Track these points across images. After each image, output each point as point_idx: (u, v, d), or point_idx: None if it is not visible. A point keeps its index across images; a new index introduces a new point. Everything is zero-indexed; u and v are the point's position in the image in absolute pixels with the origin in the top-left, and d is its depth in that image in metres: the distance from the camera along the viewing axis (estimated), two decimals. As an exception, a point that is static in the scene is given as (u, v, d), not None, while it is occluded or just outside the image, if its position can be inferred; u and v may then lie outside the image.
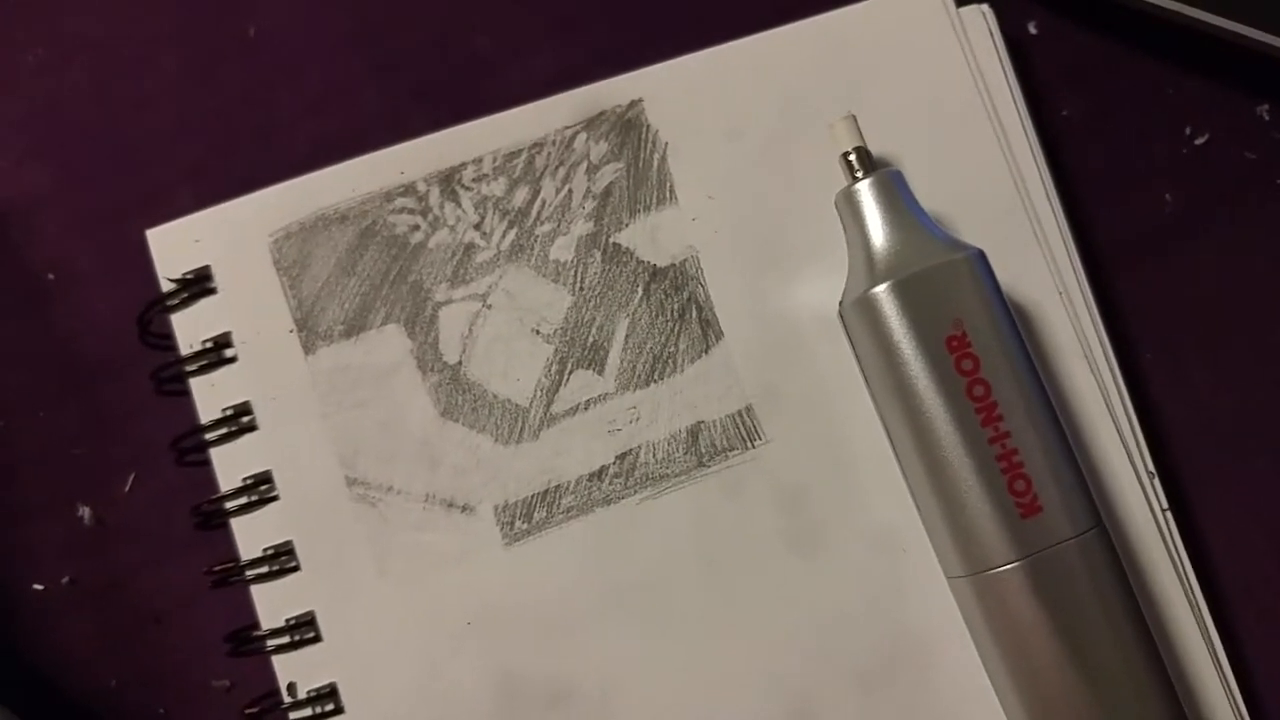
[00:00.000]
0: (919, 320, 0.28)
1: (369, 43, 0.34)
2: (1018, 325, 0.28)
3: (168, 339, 0.32)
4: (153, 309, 0.32)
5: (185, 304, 0.32)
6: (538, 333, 0.31)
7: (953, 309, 0.28)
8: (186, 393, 0.32)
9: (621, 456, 0.31)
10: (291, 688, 0.31)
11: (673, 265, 0.32)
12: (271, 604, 0.31)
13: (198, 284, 0.32)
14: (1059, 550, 0.27)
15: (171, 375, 0.32)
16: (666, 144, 0.32)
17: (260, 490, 0.31)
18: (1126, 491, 0.31)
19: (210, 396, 0.31)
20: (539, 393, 0.31)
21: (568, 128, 0.32)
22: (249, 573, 0.31)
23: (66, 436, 0.33)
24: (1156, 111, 0.34)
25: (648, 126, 0.32)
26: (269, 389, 0.31)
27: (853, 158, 0.30)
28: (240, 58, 0.35)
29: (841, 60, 0.32)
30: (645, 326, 0.31)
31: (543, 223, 0.32)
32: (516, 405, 0.31)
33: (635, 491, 0.31)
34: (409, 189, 0.32)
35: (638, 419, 0.31)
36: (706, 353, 0.31)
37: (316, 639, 0.30)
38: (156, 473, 0.33)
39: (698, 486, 0.31)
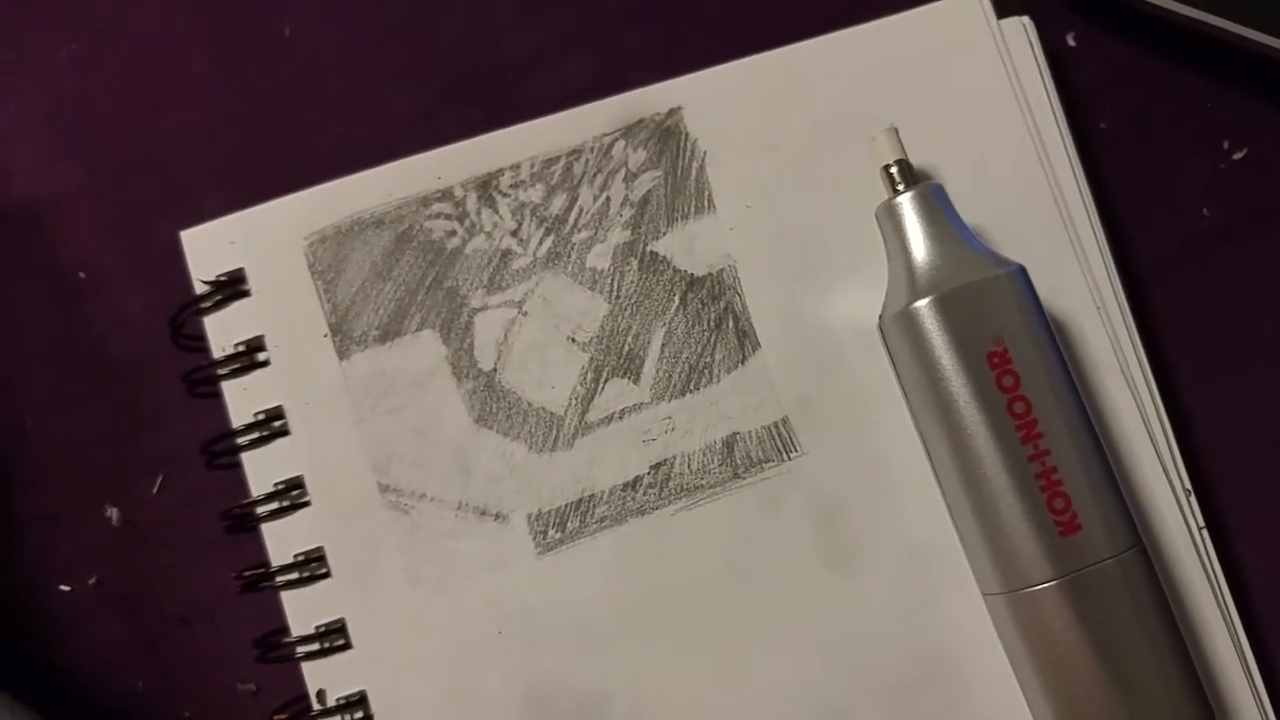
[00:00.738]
0: (960, 336, 0.27)
1: (401, 46, 0.34)
2: (1058, 342, 0.28)
3: (200, 341, 0.32)
4: (186, 311, 0.32)
5: (218, 306, 0.32)
6: (573, 340, 0.31)
7: (994, 325, 0.28)
8: (217, 395, 0.32)
9: (656, 467, 0.31)
10: (321, 695, 0.30)
11: (710, 274, 0.31)
12: (301, 610, 0.31)
13: (231, 286, 0.32)
14: (1098, 569, 0.27)
15: (203, 378, 0.32)
16: (705, 152, 0.32)
17: (292, 495, 0.31)
18: (1162, 509, 0.30)
19: (242, 400, 0.31)
20: (574, 401, 0.31)
21: (606, 135, 0.32)
22: (279, 578, 0.31)
23: (95, 437, 0.33)
24: (1194, 125, 0.34)
25: (686, 135, 0.32)
26: (302, 393, 0.31)
27: (894, 170, 0.30)
28: (273, 59, 0.34)
29: (881, 71, 0.32)
30: (681, 336, 0.31)
31: (580, 230, 0.32)
32: (551, 413, 0.31)
33: (669, 502, 0.31)
34: (446, 194, 0.32)
35: (673, 429, 0.31)
36: (743, 363, 0.31)
37: (346, 646, 0.30)
38: (185, 475, 0.32)
39: (732, 498, 0.31)
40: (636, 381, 0.31)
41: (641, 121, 0.32)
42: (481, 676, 0.30)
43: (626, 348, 0.31)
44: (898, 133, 0.30)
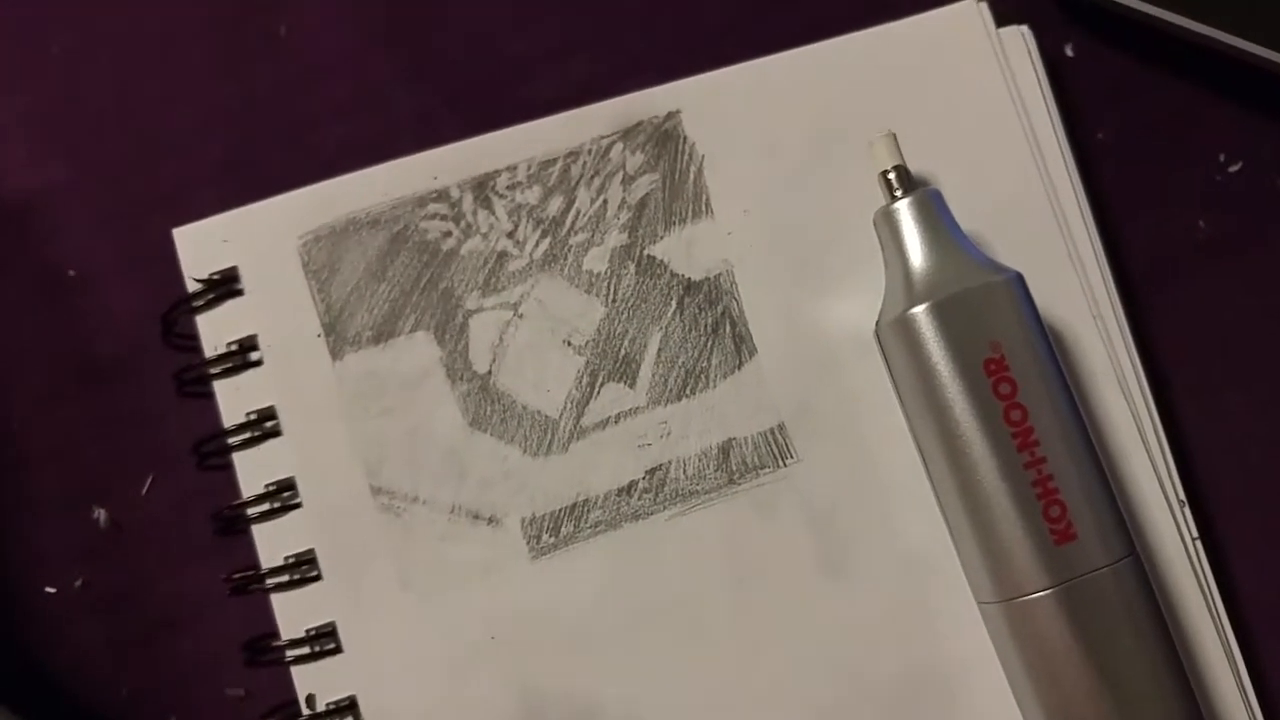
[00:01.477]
0: (957, 342, 0.27)
1: (401, 45, 0.34)
2: (1054, 350, 0.28)
3: (192, 340, 0.31)
4: (178, 309, 0.31)
5: (211, 305, 0.31)
6: (569, 344, 0.31)
7: (991, 332, 0.27)
8: (209, 395, 0.31)
9: (651, 472, 0.31)
10: (310, 700, 0.30)
11: (707, 279, 0.31)
12: (291, 614, 0.30)
13: (224, 285, 0.31)
14: (1093, 578, 0.27)
15: (194, 377, 0.31)
16: (703, 156, 0.32)
17: (283, 497, 0.31)
18: (1156, 519, 0.30)
19: (234, 400, 0.31)
20: (569, 405, 0.31)
21: (604, 137, 0.32)
22: (269, 581, 0.30)
23: (83, 436, 0.32)
24: (1191, 137, 0.34)
25: (685, 138, 0.32)
26: (295, 394, 0.31)
27: (892, 176, 0.29)
28: (269, 56, 0.34)
29: (880, 78, 0.32)
30: (678, 340, 0.31)
31: (577, 233, 0.32)
32: (546, 417, 0.31)
33: (664, 508, 0.30)
34: (442, 195, 0.32)
35: (669, 434, 0.31)
36: (739, 369, 0.31)
37: (337, 650, 0.30)
38: (175, 475, 0.32)
39: (728, 504, 0.30)
40: (632, 386, 0.31)
41: (640, 124, 0.32)
42: (473, 682, 0.30)
43: (623, 351, 0.31)
44: (896, 139, 0.30)
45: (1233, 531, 0.32)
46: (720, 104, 0.32)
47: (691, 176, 0.32)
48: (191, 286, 0.31)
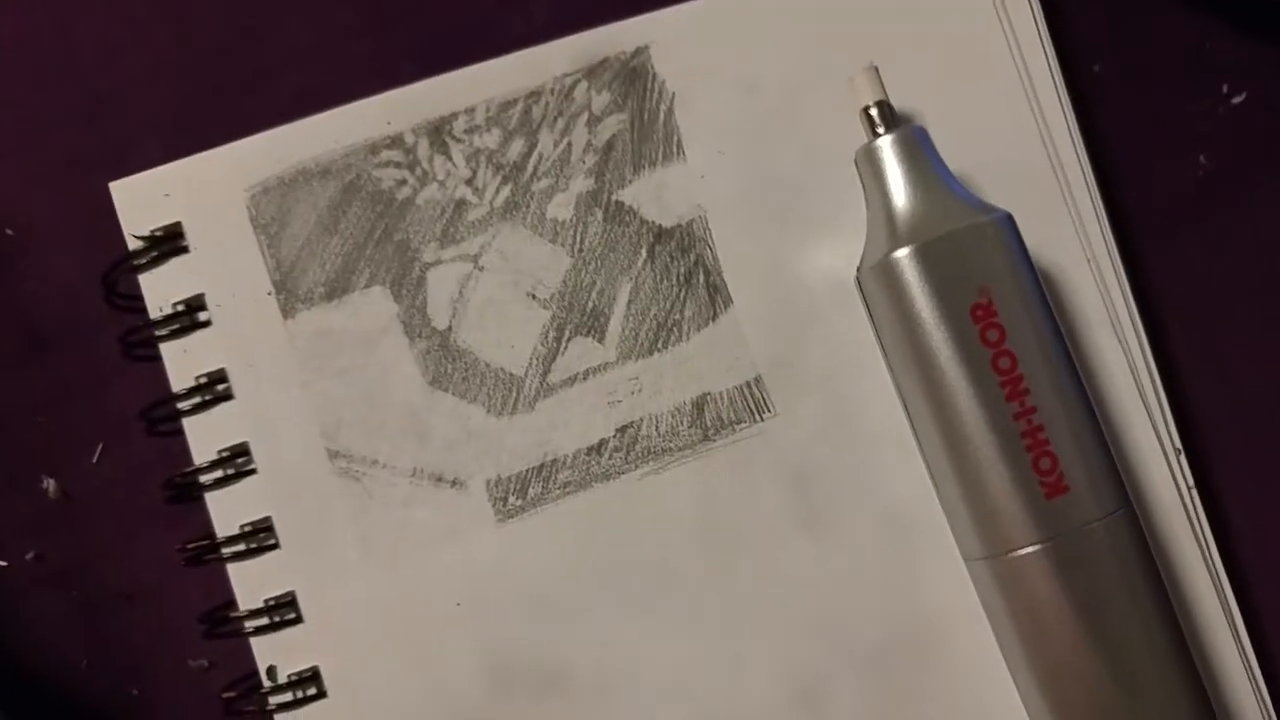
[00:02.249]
0: (943, 287, 0.26)
1: (355, -15, 0.32)
2: (1046, 295, 0.27)
3: (137, 301, 0.30)
4: (119, 268, 0.30)
5: (154, 263, 0.30)
6: (533, 297, 0.30)
7: (979, 276, 0.26)
8: (158, 358, 0.30)
9: (622, 429, 0.29)
10: (271, 671, 0.29)
11: (679, 226, 0.30)
12: (249, 583, 0.29)
13: (168, 242, 0.30)
14: (1085, 532, 0.26)
15: (141, 340, 0.30)
16: (674, 95, 0.30)
17: (237, 463, 0.29)
18: (1151, 468, 0.29)
19: (183, 363, 0.30)
20: (534, 361, 0.29)
21: (567, 75, 0.30)
22: (225, 550, 0.29)
23: (29, 405, 0.31)
24: (1192, 68, 0.32)
25: (654, 75, 0.30)
26: (246, 355, 0.30)
27: (874, 112, 0.28)
28: (219, 1, 0.32)
29: (864, 7, 0.30)
30: (649, 291, 0.30)
31: (539, 178, 0.30)
32: (510, 374, 0.29)
33: (636, 466, 0.29)
34: (396, 141, 0.30)
35: (640, 390, 0.29)
36: (714, 320, 0.30)
37: (297, 620, 0.29)
38: (126, 443, 0.31)
39: (702, 461, 0.29)
40: (601, 340, 0.30)
41: (605, 61, 0.30)
42: (439, 650, 0.29)
43: (590, 304, 0.30)
44: (878, 72, 0.28)
45: (1230, 481, 0.31)
46: (692, 38, 0.30)
47: (661, 116, 0.30)
48: (132, 244, 0.30)
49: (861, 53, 0.29)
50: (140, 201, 0.30)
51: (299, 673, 0.29)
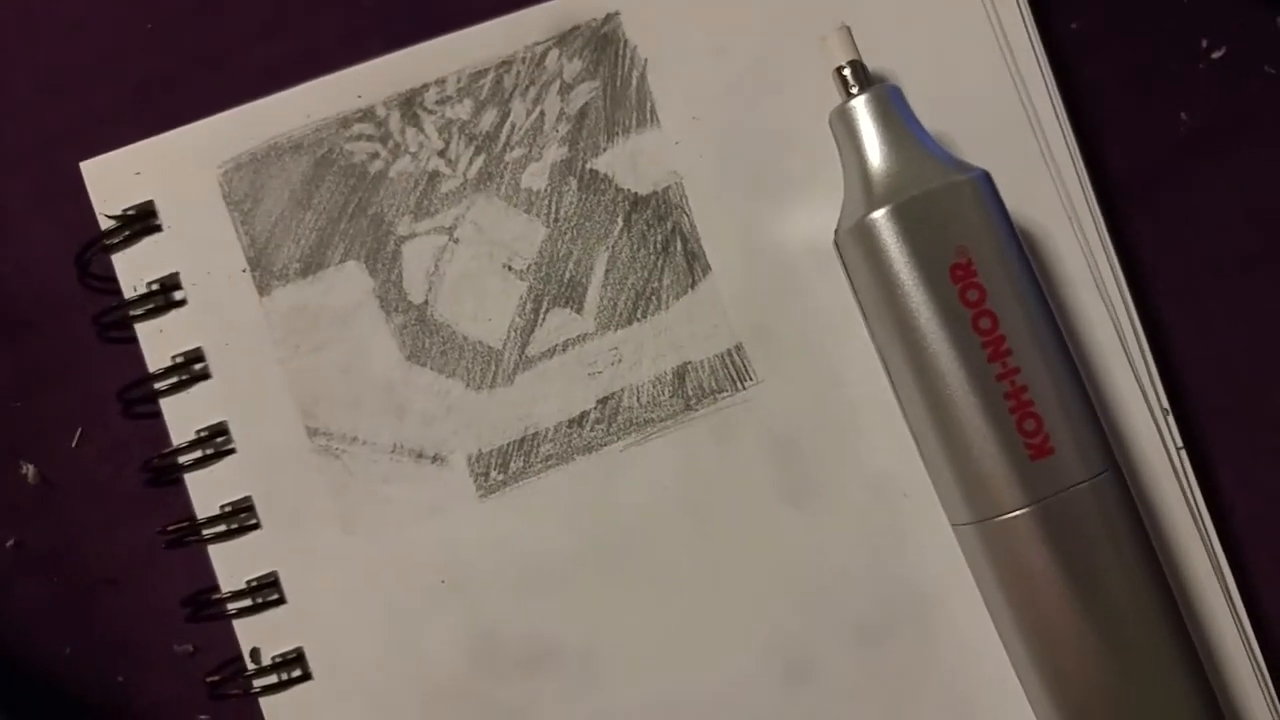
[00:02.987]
0: (920, 248, 0.26)
1: (323, -43, 0.32)
2: (1027, 253, 0.26)
3: (111, 281, 0.30)
4: (92, 248, 0.30)
5: (127, 242, 0.30)
6: (510, 268, 0.29)
7: (957, 235, 0.26)
8: (134, 339, 0.30)
9: (603, 401, 0.29)
10: (255, 653, 0.29)
11: (655, 193, 0.29)
12: (231, 565, 0.29)
13: (140, 221, 0.30)
14: (1071, 494, 0.26)
15: (116, 320, 0.30)
16: (646, 60, 0.30)
17: (215, 443, 0.29)
18: (1139, 430, 0.29)
19: (158, 343, 0.29)
20: (513, 334, 0.29)
21: (538, 44, 0.30)
22: (206, 531, 0.29)
23: (4, 390, 0.31)
24: (1171, 23, 0.32)
25: (625, 41, 0.30)
26: (222, 333, 0.29)
27: (847, 72, 0.27)
28: (187, -26, 0.32)
29: (835, -32, 0.30)
30: (626, 260, 0.29)
31: (513, 148, 0.30)
32: (489, 347, 0.29)
33: (618, 438, 0.29)
34: (367, 114, 0.30)
35: (620, 360, 0.29)
36: (693, 288, 0.29)
37: (280, 601, 0.29)
38: (105, 426, 0.31)
39: (685, 431, 0.29)
40: (579, 311, 0.29)
41: (576, 28, 0.30)
42: (424, 628, 0.29)
43: (567, 275, 0.29)
44: (850, 32, 0.28)
45: (1219, 441, 0.31)
46: (663, 2, 0.30)
47: (634, 82, 0.30)
48: (105, 224, 0.30)
49: (833, 12, 0.29)
50: (111, 180, 0.30)
51: (283, 654, 0.29)
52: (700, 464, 0.29)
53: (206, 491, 0.29)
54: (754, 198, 0.29)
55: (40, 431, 0.31)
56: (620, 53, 0.30)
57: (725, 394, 0.29)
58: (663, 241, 0.29)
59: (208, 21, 0.32)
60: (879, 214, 0.26)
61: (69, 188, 0.30)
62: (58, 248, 0.30)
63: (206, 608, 0.29)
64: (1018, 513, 0.26)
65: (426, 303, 0.29)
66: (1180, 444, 0.29)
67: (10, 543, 0.31)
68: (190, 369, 0.29)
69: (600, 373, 0.29)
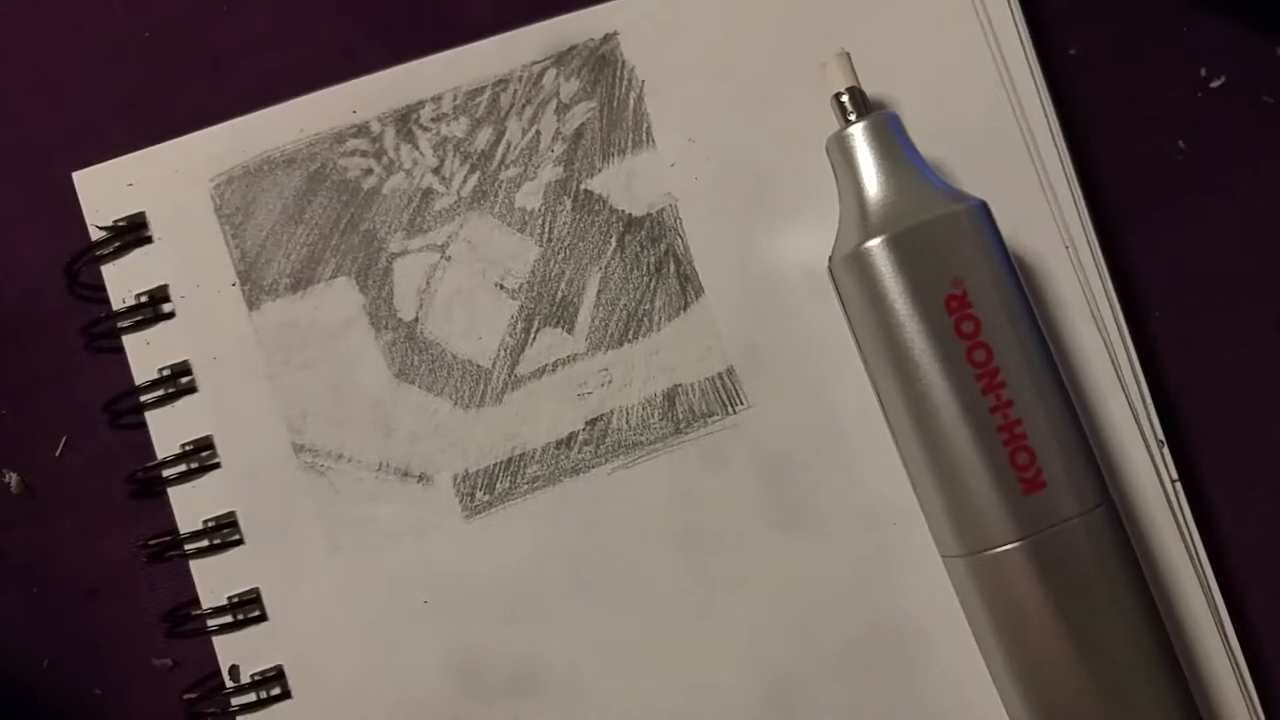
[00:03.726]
0: (916, 277, 0.25)
1: (321, -30, 0.32)
2: (1023, 284, 0.26)
3: (100, 291, 0.30)
4: (82, 259, 0.29)
5: (118, 254, 0.29)
6: (501, 287, 0.29)
7: (953, 266, 0.26)
8: (121, 350, 0.29)
9: (592, 422, 0.29)
10: (234, 670, 0.28)
11: (649, 215, 0.29)
12: (212, 580, 0.29)
13: (131, 232, 0.29)
14: (1063, 529, 0.25)
15: (103, 331, 0.29)
16: (643, 82, 0.30)
17: (200, 457, 0.29)
18: (1133, 461, 0.29)
19: (146, 355, 0.29)
20: (503, 353, 0.29)
21: (535, 63, 0.30)
22: (188, 546, 0.29)
23: (-9, 397, 0.31)
24: (1170, 51, 0.32)
25: (623, 63, 0.30)
26: (209, 347, 0.29)
27: (845, 99, 0.27)
28: (184, -16, 0.32)
29: (835, -8, 0.30)
30: (619, 281, 0.29)
31: (507, 167, 0.29)
32: (478, 366, 0.29)
33: (606, 460, 0.29)
34: (362, 129, 0.29)
35: (610, 382, 0.29)
36: (685, 310, 0.29)
37: (261, 618, 0.28)
38: (90, 436, 0.30)
39: (674, 455, 0.29)
40: (570, 331, 0.29)
41: (574, 48, 0.30)
42: (407, 649, 0.28)
43: (559, 294, 0.29)
44: (850, 58, 0.27)
45: (1215, 473, 0.30)
46: (661, 24, 0.30)
47: (631, 104, 0.29)
48: (95, 234, 0.29)
49: (833, 38, 0.29)
50: (103, 191, 0.29)
51: (262, 672, 0.28)
52: (689, 488, 0.29)
53: (190, 505, 0.29)
54: (749, 221, 0.29)
55: (25, 440, 0.31)
56: (618, 74, 0.29)
57: (715, 418, 0.29)
58: (656, 263, 0.29)
59: (203, 33, 0.31)
60: (874, 243, 0.26)
61: (60, 197, 0.30)
62: (47, 257, 0.30)
63: (186, 623, 0.29)
64: (1008, 547, 0.25)
65: (416, 320, 0.29)
66: (1175, 476, 0.29)
67: (-8, 552, 0.30)
68: (177, 382, 0.29)
69: (590, 394, 0.29)
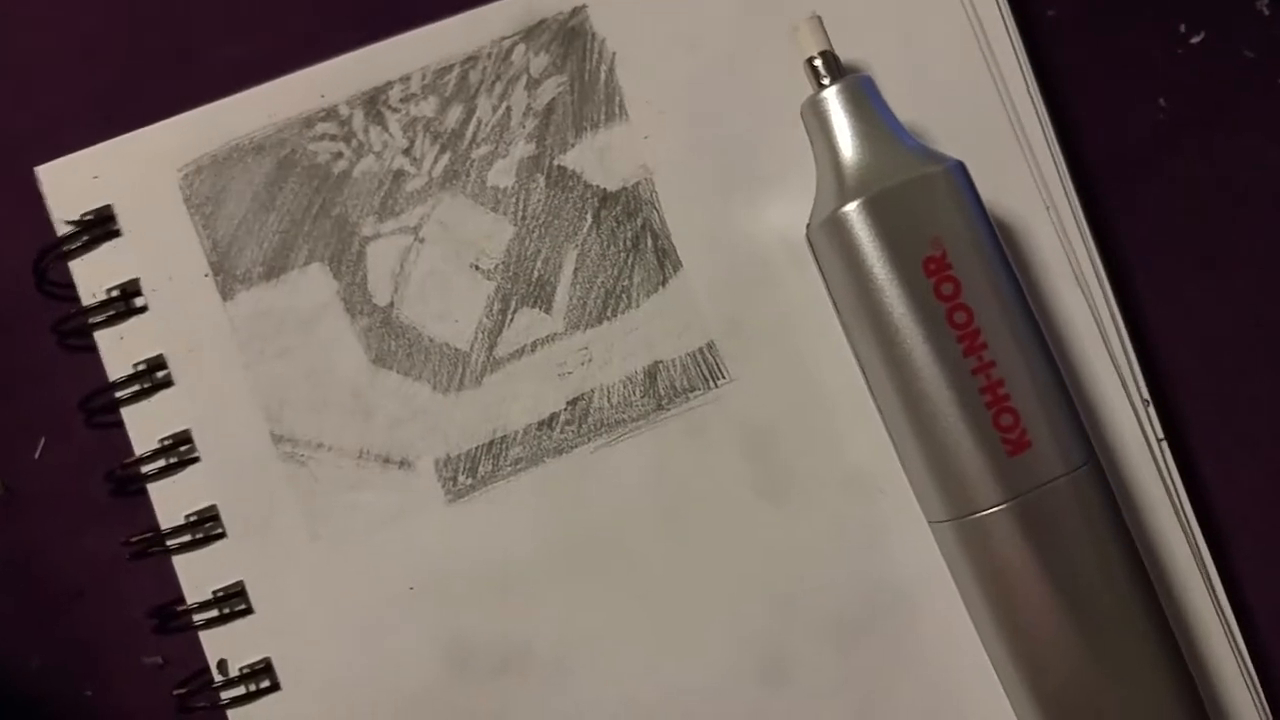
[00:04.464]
0: (893, 240, 0.25)
1: (285, -46, 0.31)
2: (1002, 244, 0.26)
3: (70, 288, 0.29)
4: (49, 255, 0.29)
5: (86, 248, 0.29)
6: (477, 268, 0.29)
7: (931, 227, 0.25)
8: (94, 347, 0.29)
9: (573, 402, 0.28)
10: (222, 665, 0.28)
11: (624, 189, 0.29)
12: (196, 575, 0.28)
13: (99, 226, 0.29)
14: (1049, 489, 0.25)
15: (75, 328, 0.29)
16: (614, 54, 0.29)
17: (179, 451, 0.29)
18: (1119, 422, 0.29)
19: (119, 350, 0.29)
20: (480, 335, 0.29)
21: (504, 39, 0.29)
22: (170, 542, 0.28)
23: (-34, 399, 0.30)
24: (1148, 8, 0.31)
25: (593, 35, 0.29)
26: (184, 340, 0.29)
27: (818, 63, 0.27)
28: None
29: (805, -44, 0.29)
30: (596, 258, 0.29)
31: (479, 145, 0.29)
32: (456, 349, 0.29)
33: (589, 439, 0.28)
34: (330, 113, 0.29)
35: (590, 360, 0.28)
36: (663, 285, 0.29)
37: (247, 611, 0.28)
38: (69, 436, 0.30)
39: (657, 431, 0.28)
40: (548, 310, 0.29)
41: (543, 22, 0.29)
42: (394, 636, 0.28)
43: (536, 274, 0.29)
44: (821, 21, 0.27)
45: (1201, 431, 0.30)
46: (630, -4, 0.29)
47: (602, 77, 0.29)
48: (62, 229, 0.29)
49: (804, 2, 0.28)
50: (68, 185, 0.29)
51: (251, 665, 0.28)
52: (673, 464, 0.28)
53: (171, 501, 0.29)
54: (725, 192, 0.29)
55: (3, 443, 0.30)
56: (588, 46, 0.29)
57: (698, 392, 0.29)
58: (632, 238, 0.29)
59: (170, 22, 0.31)
60: (851, 207, 0.25)
61: (25, 193, 0.29)
62: (17, 255, 0.30)
63: (173, 619, 0.29)
64: (995, 509, 0.25)
65: (392, 304, 0.29)
66: (1161, 435, 0.29)
67: (-26, 555, 0.30)
68: (152, 376, 0.29)
69: (570, 373, 0.29)
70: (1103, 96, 0.31)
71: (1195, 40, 0.31)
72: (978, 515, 0.25)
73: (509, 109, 0.29)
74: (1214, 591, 0.28)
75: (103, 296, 0.29)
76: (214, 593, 0.28)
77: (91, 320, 0.29)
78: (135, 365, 0.29)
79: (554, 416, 0.28)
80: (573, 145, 0.29)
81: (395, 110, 0.29)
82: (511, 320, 0.29)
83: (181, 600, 0.29)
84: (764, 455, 0.28)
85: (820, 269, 0.27)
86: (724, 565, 0.28)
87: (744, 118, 0.29)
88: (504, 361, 0.29)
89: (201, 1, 0.31)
